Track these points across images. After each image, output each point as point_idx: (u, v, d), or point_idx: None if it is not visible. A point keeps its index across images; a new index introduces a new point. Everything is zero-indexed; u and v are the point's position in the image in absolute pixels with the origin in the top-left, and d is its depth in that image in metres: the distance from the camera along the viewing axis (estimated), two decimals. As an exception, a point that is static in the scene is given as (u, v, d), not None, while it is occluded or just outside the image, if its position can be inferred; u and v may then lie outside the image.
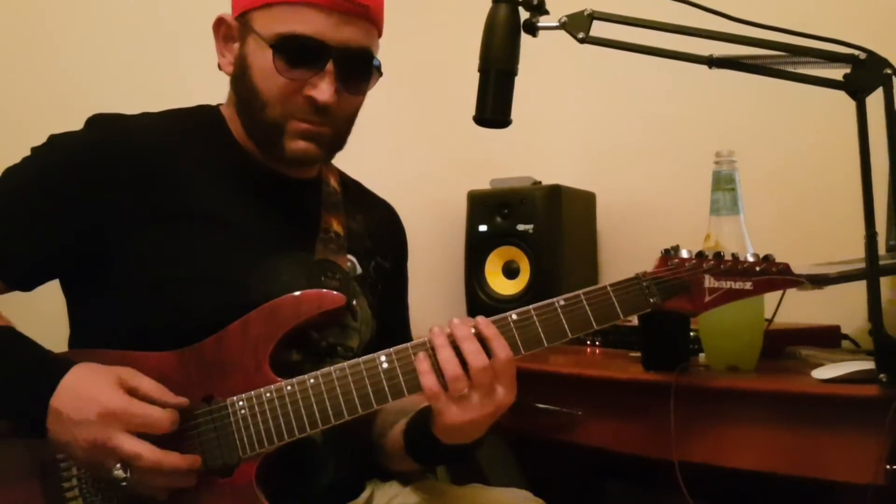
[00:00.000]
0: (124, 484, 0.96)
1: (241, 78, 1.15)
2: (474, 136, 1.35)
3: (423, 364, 1.03)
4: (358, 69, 1.15)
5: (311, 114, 1.13)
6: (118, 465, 0.96)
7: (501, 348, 1.03)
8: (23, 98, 1.50)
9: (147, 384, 1.00)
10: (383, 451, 1.24)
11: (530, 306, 1.07)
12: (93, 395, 0.97)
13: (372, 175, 1.41)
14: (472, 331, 1.04)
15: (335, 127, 1.16)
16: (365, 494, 1.24)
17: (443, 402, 1.02)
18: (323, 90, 1.11)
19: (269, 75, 1.11)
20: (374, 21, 1.15)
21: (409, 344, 1.06)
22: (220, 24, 1.18)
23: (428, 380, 1.02)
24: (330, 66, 1.11)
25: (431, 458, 1.17)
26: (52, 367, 1.00)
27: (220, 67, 1.20)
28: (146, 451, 0.96)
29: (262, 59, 1.12)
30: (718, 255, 1.10)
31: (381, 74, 1.18)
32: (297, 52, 1.10)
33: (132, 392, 0.99)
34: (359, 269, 1.25)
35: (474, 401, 1.02)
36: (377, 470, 1.27)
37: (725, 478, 1.23)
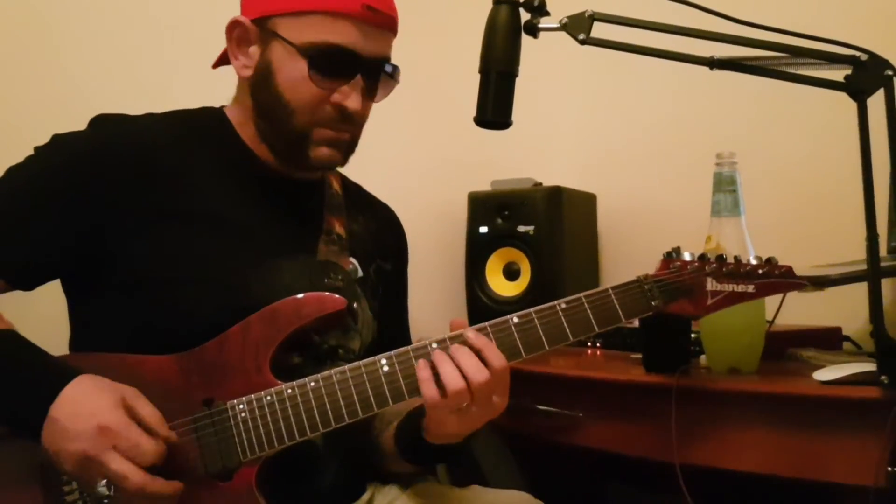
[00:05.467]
0: (106, 501, 0.96)
1: (262, 84, 1.15)
2: (475, 138, 1.34)
3: (423, 372, 1.02)
4: (381, 78, 1.17)
5: (337, 121, 1.14)
6: (103, 482, 0.96)
7: (496, 357, 1.02)
8: (26, 98, 1.50)
9: (145, 410, 0.99)
10: (380, 452, 1.25)
11: (531, 309, 1.07)
12: (92, 410, 0.96)
13: (373, 177, 1.41)
14: (471, 340, 1.03)
15: (353, 132, 1.18)
16: (365, 497, 1.24)
17: (442, 412, 1.02)
18: (354, 99, 1.13)
19: (299, 84, 1.11)
20: (395, 31, 1.17)
21: (409, 347, 1.06)
22: (234, 26, 1.16)
23: (428, 388, 1.01)
24: (359, 76, 1.12)
25: (423, 459, 1.18)
26: (56, 375, 1.00)
27: (213, 68, 1.19)
28: (133, 474, 0.95)
29: (291, 67, 1.12)
30: (721, 258, 1.10)
31: (398, 82, 1.19)
32: (332, 63, 1.11)
33: (129, 412, 0.98)
34: (360, 272, 1.25)
35: (473, 412, 1.02)
36: (378, 471, 1.27)
37: (727, 480, 1.22)
